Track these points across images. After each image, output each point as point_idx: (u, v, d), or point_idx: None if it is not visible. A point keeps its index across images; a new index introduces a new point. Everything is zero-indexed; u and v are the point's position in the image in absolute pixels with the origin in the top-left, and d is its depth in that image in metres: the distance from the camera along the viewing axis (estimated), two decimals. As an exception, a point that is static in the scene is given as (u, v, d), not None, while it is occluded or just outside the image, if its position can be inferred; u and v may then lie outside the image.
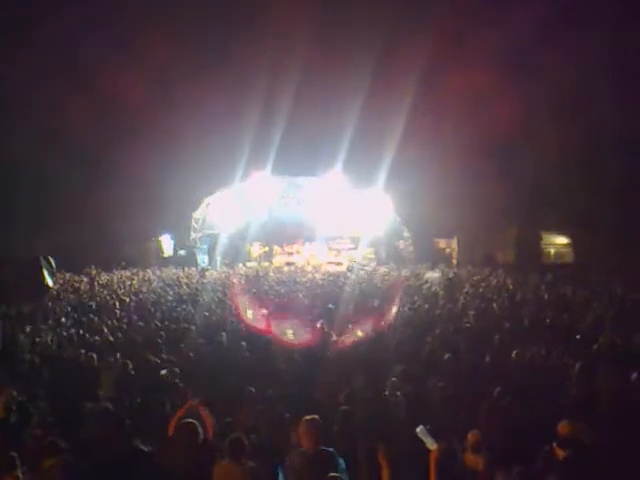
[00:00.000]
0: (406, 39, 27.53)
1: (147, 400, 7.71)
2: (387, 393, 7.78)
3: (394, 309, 13.47)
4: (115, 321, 13.98)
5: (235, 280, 17.33)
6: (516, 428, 6.46)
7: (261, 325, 11.16)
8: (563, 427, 5.84)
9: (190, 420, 5.75)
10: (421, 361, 9.73)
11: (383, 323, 12.24)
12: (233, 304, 13.29)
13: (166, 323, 13.63)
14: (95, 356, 9.65)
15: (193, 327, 13.12)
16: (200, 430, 5.69)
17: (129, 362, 9.33)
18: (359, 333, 10.73)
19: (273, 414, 7.14)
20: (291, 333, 10.29)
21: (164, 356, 10.05)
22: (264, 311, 12.19)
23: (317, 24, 27.35)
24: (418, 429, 5.27)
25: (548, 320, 13.08)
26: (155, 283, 23.96)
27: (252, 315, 11.87)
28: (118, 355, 10.01)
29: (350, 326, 11.78)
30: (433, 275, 24.87)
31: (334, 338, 11.32)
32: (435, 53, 27.07)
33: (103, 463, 5.34)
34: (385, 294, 17.86)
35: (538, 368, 8.86)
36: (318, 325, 12.36)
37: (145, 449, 5.72)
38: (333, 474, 4.84)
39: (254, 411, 7.22)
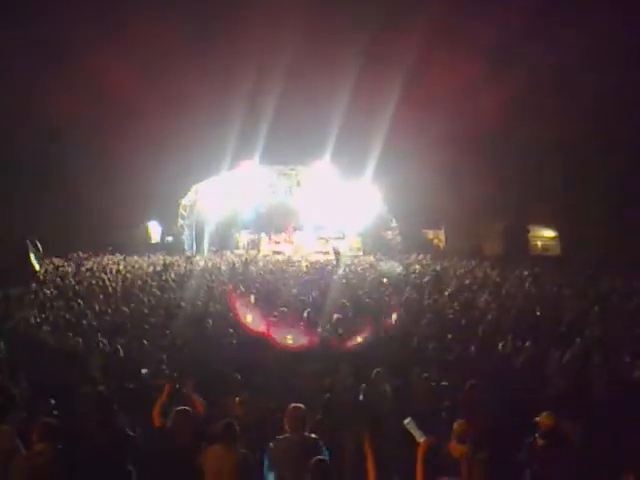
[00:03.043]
0: (394, 30, 27.47)
1: (134, 385, 7.72)
2: (373, 382, 7.82)
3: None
4: (101, 306, 13.93)
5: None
6: (500, 418, 6.53)
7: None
8: (543, 418, 5.95)
9: (185, 407, 5.78)
10: (407, 351, 9.79)
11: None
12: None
13: (153, 309, 13.61)
14: (80, 340, 9.63)
15: (180, 313, 13.13)
16: (196, 416, 5.73)
17: (117, 347, 9.34)
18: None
19: (259, 401, 7.17)
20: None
21: (150, 341, 10.05)
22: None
23: (305, 14, 27.23)
24: (406, 421, 5.31)
25: (533, 312, 13.17)
26: (142, 269, 23.91)
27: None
28: (104, 340, 9.99)
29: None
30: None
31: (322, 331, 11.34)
32: (423, 44, 27.03)
33: (89, 447, 5.37)
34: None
35: (523, 360, 8.94)
36: (305, 314, 12.39)
37: (132, 433, 5.75)
38: (318, 457, 4.89)
39: (240, 397, 7.23)
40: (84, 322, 11.70)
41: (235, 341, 10.26)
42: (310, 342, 10.12)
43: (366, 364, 8.63)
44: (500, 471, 5.36)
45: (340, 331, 10.95)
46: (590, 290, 16.32)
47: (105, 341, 9.93)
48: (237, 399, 7.13)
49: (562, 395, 7.23)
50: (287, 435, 5.44)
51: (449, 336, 10.34)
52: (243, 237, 37.15)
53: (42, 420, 5.43)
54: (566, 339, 10.02)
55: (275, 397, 7.17)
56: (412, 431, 5.22)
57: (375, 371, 8.10)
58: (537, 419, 5.98)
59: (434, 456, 5.30)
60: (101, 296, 15.62)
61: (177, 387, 6.83)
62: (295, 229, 36.57)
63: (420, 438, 5.16)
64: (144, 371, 7.87)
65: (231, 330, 10.66)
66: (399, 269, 23.65)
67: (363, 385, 7.76)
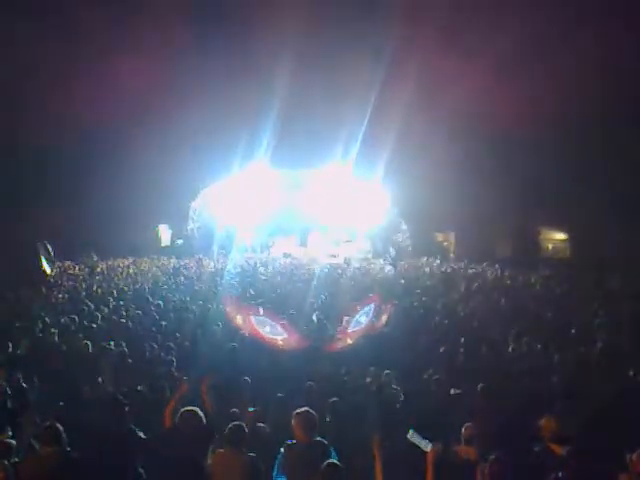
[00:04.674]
0: (406, 32, 27.45)
1: (145, 388, 7.73)
2: (382, 384, 7.81)
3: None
4: (112, 309, 13.98)
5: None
6: (509, 421, 6.51)
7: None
8: (546, 422, 5.89)
9: (192, 408, 5.77)
10: (418, 354, 9.78)
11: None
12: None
13: (163, 312, 13.65)
14: (90, 343, 9.66)
15: (191, 316, 13.16)
16: (203, 417, 5.72)
17: (127, 350, 9.38)
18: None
19: (270, 405, 7.17)
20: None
21: (160, 344, 10.08)
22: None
23: (318, 15, 27.27)
24: (409, 434, 5.32)
25: (543, 315, 13.14)
26: (153, 272, 24.01)
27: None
28: (116, 343, 10.02)
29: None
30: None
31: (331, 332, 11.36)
32: (435, 48, 27.05)
33: (100, 450, 5.38)
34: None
35: (532, 362, 8.91)
36: (314, 317, 12.42)
37: (142, 435, 5.76)
38: (330, 460, 4.90)
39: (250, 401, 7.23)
40: (94, 325, 11.75)
41: (245, 344, 10.26)
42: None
43: (375, 366, 8.64)
44: (510, 474, 5.33)
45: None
46: (600, 293, 16.26)
47: (116, 344, 9.96)
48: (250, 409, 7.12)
49: (566, 397, 7.19)
50: (297, 440, 5.44)
51: (462, 339, 10.31)
52: (253, 240, 37.16)
53: (47, 424, 5.45)
54: (576, 342, 10.00)
55: (285, 400, 7.17)
56: (417, 443, 5.23)
57: (385, 373, 8.10)
58: (540, 423, 5.94)
59: (443, 461, 5.29)
60: (112, 299, 15.69)
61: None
62: (305, 231, 36.60)
63: (426, 447, 5.16)
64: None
65: (243, 333, 10.66)
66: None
67: (372, 387, 7.77)
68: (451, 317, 13.04)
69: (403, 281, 19.92)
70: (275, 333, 10.59)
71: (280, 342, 10.27)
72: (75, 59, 28.61)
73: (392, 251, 31.06)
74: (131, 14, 27.32)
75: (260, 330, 10.85)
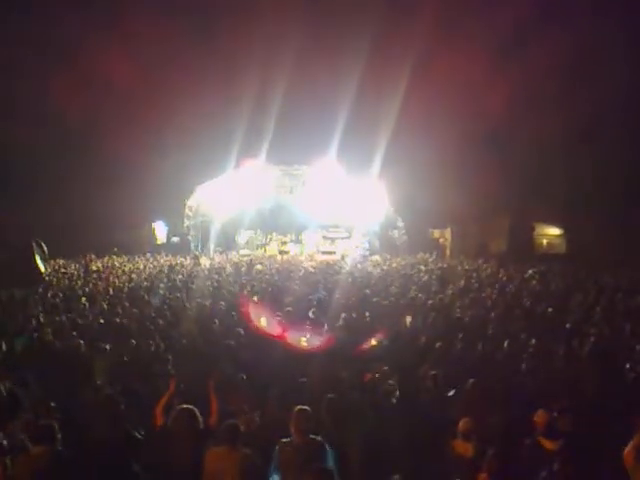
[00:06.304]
0: (400, 25, 27.47)
1: (140, 387, 7.70)
2: (378, 381, 7.80)
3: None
4: (108, 308, 13.93)
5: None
6: (506, 417, 6.51)
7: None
8: (541, 416, 5.91)
9: (187, 406, 5.75)
10: (414, 350, 9.76)
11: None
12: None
13: (159, 310, 13.60)
14: (83, 343, 9.60)
15: (186, 314, 13.13)
16: (198, 416, 5.69)
17: (122, 349, 9.34)
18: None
19: (266, 402, 7.14)
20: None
21: (156, 343, 10.04)
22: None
23: (309, 12, 27.25)
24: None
25: (538, 310, 13.15)
26: (149, 270, 23.96)
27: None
28: (111, 342, 9.97)
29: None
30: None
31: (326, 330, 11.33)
32: (429, 40, 27.02)
33: (95, 449, 5.36)
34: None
35: (528, 357, 8.91)
36: (310, 314, 12.38)
37: (137, 435, 5.73)
38: (317, 464, 4.86)
39: (247, 398, 7.20)
40: (90, 324, 11.71)
41: (242, 341, 10.22)
42: (325, 344, 10.09)
43: (372, 362, 8.62)
44: (507, 469, 5.33)
45: (348, 330, 10.96)
46: (595, 288, 16.27)
47: (111, 342, 9.91)
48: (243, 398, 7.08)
49: (562, 391, 7.19)
50: (292, 438, 5.42)
51: (459, 335, 10.29)
52: (247, 237, 37.12)
53: (38, 422, 5.41)
54: (571, 337, 10.01)
55: (281, 397, 7.15)
56: None
57: (382, 369, 8.08)
58: (535, 418, 5.96)
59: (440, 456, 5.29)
60: (107, 298, 15.64)
61: (182, 386, 6.77)
62: (301, 229, 36.59)
63: None
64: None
65: (239, 330, 10.60)
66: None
67: (369, 384, 7.75)
68: (447, 313, 13.02)
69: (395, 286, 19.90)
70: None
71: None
72: (66, 54, 28.54)
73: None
74: (124, 11, 27.25)
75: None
